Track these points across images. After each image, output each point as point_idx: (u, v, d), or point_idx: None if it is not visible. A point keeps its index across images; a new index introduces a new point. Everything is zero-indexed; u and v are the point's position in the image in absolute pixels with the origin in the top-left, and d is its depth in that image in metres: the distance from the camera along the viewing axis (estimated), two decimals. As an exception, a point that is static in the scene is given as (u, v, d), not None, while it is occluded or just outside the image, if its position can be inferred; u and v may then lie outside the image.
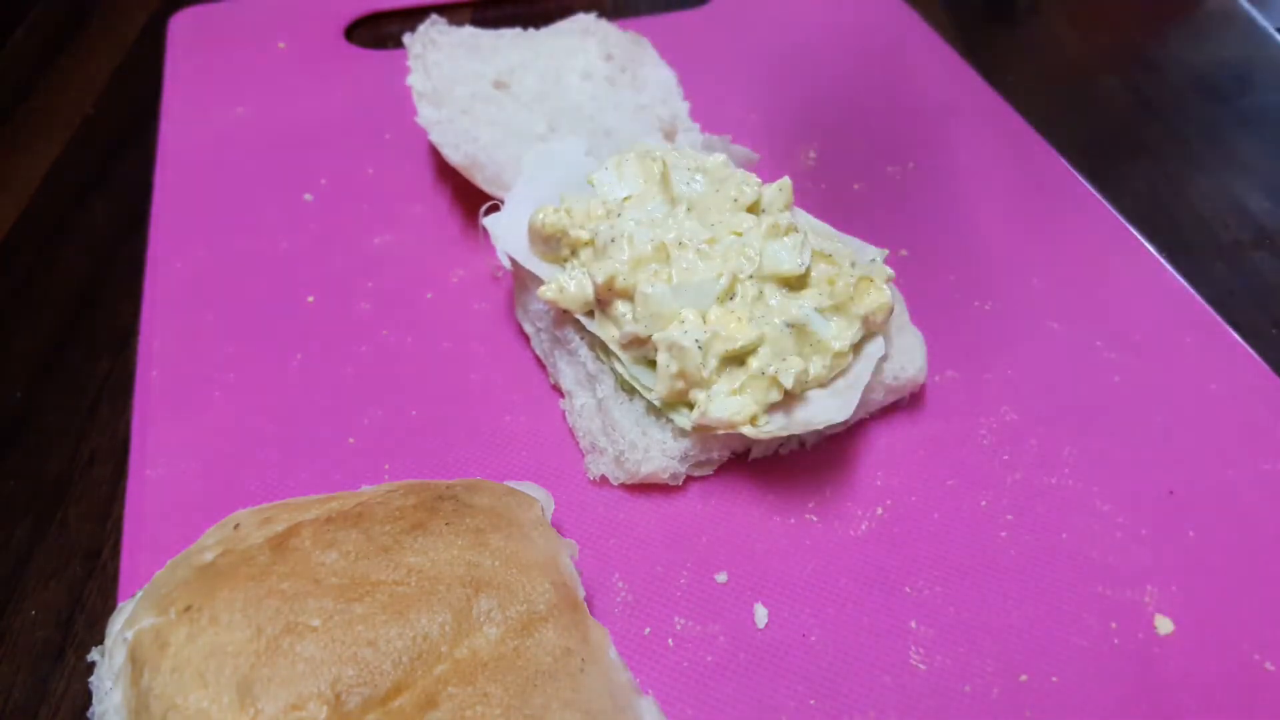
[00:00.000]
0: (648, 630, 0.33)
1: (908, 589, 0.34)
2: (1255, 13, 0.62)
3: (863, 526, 0.36)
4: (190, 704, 0.25)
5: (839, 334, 0.36)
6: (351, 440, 0.38)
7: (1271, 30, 0.61)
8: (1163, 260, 0.46)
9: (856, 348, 0.37)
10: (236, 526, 0.30)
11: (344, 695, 0.25)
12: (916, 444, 0.38)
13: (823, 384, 0.36)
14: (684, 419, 0.36)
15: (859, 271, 0.37)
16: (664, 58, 0.53)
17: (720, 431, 0.35)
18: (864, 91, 0.55)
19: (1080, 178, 0.50)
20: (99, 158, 0.55)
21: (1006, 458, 0.38)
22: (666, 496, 0.37)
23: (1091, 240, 0.47)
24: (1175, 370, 0.41)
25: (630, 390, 0.37)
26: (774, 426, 0.35)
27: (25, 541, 0.37)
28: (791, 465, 0.38)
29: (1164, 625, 0.33)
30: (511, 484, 0.33)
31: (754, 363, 0.35)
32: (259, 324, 0.43)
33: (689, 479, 0.37)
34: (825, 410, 0.35)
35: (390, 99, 0.56)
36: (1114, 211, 0.48)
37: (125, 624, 0.27)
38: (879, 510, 0.36)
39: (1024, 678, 0.32)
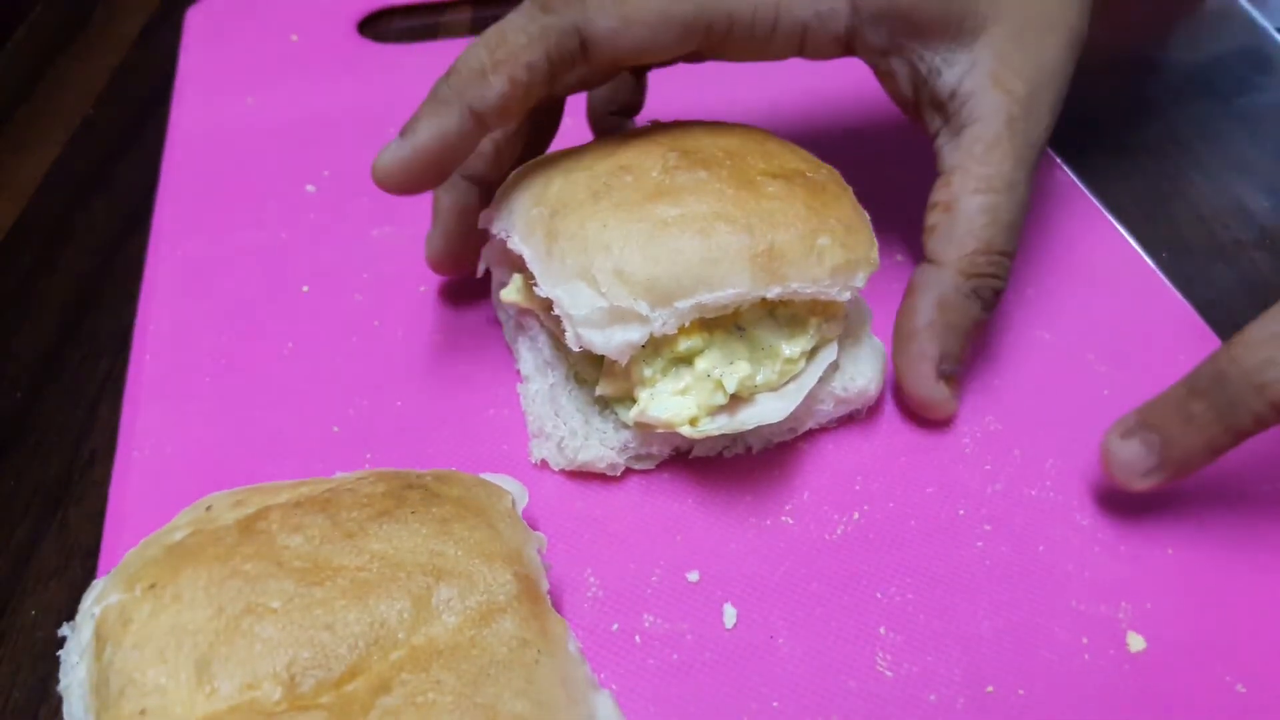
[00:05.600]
0: (615, 626, 0.33)
1: (879, 594, 0.34)
2: (1255, 12, 0.61)
3: (838, 530, 0.36)
4: (148, 680, 0.25)
5: (791, 341, 0.35)
6: (336, 429, 0.39)
7: (1271, 30, 0.61)
8: (1162, 275, 0.45)
9: (809, 354, 0.36)
10: (209, 508, 0.30)
11: (298, 677, 0.25)
12: (898, 451, 0.38)
13: (773, 388, 0.35)
14: (627, 414, 0.36)
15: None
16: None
17: (660, 429, 0.35)
18: (867, 96, 0.55)
19: (1083, 188, 0.49)
20: (99, 158, 0.55)
21: (988, 468, 0.38)
22: (645, 492, 0.37)
23: (1090, 251, 0.46)
24: (1167, 385, 0.40)
25: (581, 380, 0.38)
26: (712, 428, 0.34)
27: (25, 541, 0.37)
28: (772, 465, 0.38)
29: (1136, 642, 0.32)
30: (486, 476, 0.33)
31: (700, 364, 0.35)
32: (253, 312, 0.44)
33: (680, 472, 0.37)
34: (763, 411, 0.35)
35: (398, 93, 0.56)
36: (1115, 222, 0.48)
37: (95, 600, 0.28)
38: (856, 515, 0.36)
39: (990, 689, 0.31)
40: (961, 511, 0.36)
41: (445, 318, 0.44)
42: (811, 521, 0.36)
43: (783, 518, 0.36)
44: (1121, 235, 0.47)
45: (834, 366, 0.37)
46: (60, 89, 0.60)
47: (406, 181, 0.35)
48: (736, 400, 0.35)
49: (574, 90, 0.38)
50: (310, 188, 0.50)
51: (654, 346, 0.34)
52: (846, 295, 0.35)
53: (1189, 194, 0.51)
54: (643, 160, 0.36)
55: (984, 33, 0.37)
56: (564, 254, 0.34)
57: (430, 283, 0.45)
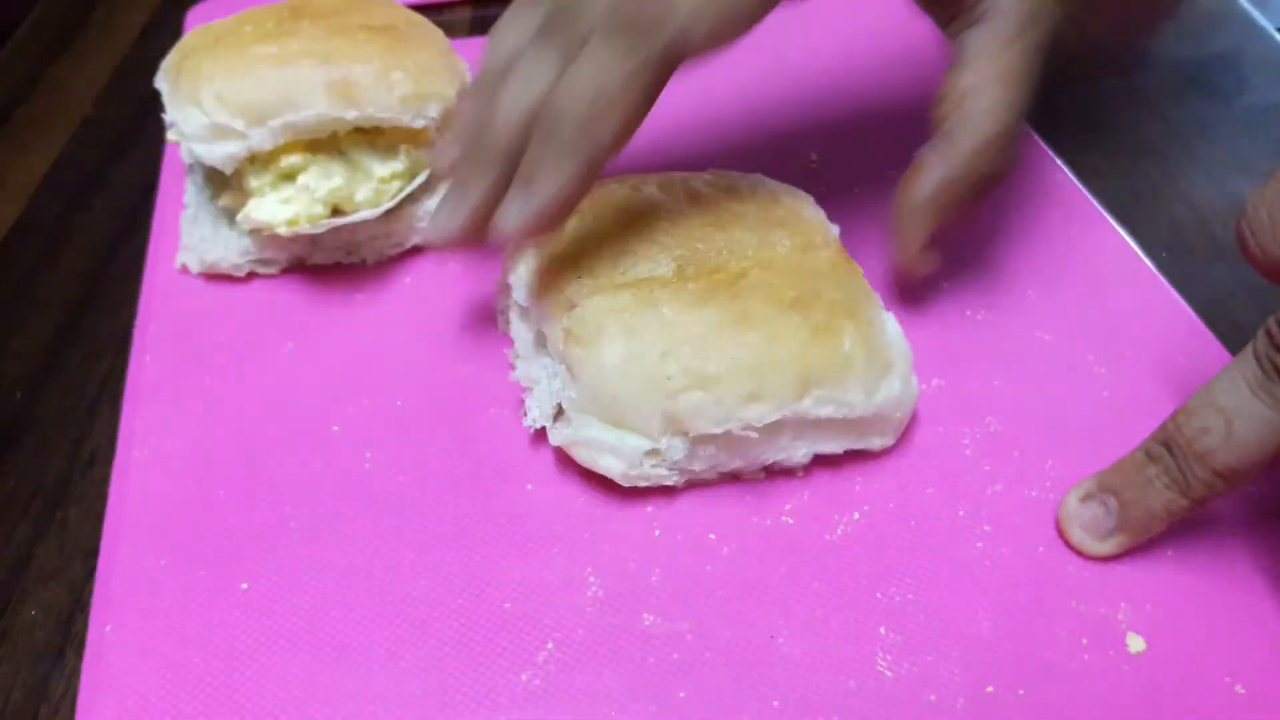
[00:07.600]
0: (615, 626, 0.33)
1: (879, 594, 0.34)
2: (1255, 12, 0.61)
3: (838, 531, 0.36)
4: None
5: (383, 164, 0.43)
6: (335, 429, 0.39)
7: (1270, 29, 0.61)
8: (1162, 275, 0.45)
9: (407, 176, 0.44)
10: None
11: (684, 267, 0.36)
12: (898, 451, 0.38)
13: (371, 205, 0.43)
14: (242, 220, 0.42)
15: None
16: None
17: (266, 233, 0.42)
18: (871, 94, 0.55)
19: (1085, 191, 0.49)
20: (99, 158, 0.55)
21: (988, 469, 0.38)
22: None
23: (1089, 252, 0.46)
24: (1166, 388, 0.40)
25: (215, 198, 0.45)
26: (306, 228, 0.41)
27: (25, 541, 0.37)
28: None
29: (1135, 644, 0.32)
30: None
31: (301, 179, 0.41)
32: (252, 310, 0.44)
33: (303, 278, 0.45)
34: (355, 216, 0.42)
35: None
36: (1116, 226, 0.48)
37: None
38: (856, 515, 0.36)
39: (990, 689, 0.31)
40: (961, 512, 0.36)
41: (444, 316, 0.44)
42: (812, 522, 0.36)
43: (783, 518, 0.36)
44: (1121, 235, 0.47)
45: (430, 190, 0.45)
46: (60, 89, 0.61)
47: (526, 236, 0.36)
48: (339, 214, 0.42)
49: None
50: (310, 187, 0.50)
51: (262, 163, 0.41)
52: (420, 123, 0.43)
53: (1189, 194, 0.51)
54: (262, 18, 0.44)
55: None
56: (181, 85, 0.42)
57: (427, 281, 0.45)
